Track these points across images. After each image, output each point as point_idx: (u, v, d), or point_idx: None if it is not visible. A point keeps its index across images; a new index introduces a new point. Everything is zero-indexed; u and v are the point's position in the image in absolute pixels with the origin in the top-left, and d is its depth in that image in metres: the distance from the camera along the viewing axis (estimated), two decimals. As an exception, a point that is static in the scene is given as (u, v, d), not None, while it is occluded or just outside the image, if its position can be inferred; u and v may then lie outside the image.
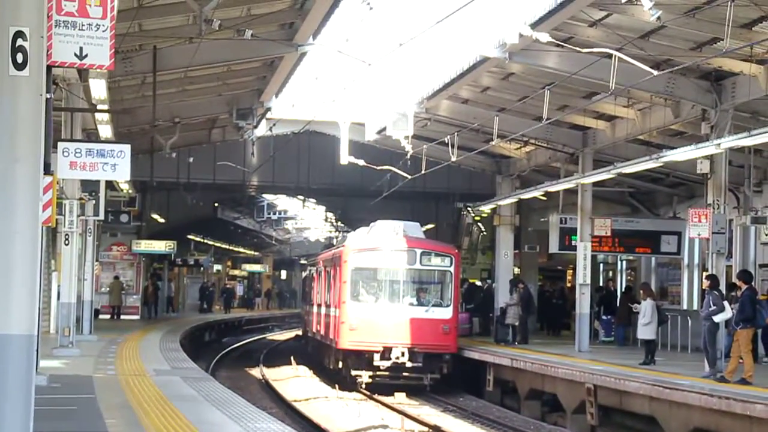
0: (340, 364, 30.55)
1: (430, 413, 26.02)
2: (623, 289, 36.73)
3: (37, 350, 14.21)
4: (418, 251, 30.25)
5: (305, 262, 51.90)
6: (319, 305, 35.51)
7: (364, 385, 29.49)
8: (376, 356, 29.20)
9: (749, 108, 24.18)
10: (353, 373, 29.64)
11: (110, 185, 35.51)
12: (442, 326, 29.74)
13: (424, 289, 30.69)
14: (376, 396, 28.46)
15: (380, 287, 30.51)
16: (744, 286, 20.78)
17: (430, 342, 29.48)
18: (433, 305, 30.09)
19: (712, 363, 21.03)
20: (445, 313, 30.00)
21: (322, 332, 33.93)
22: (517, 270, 40.82)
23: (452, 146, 30.64)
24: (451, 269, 30.40)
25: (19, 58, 8.19)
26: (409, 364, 29.20)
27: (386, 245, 30.35)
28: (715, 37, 20.89)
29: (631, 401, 21.33)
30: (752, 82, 22.15)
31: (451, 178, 40.66)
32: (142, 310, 46.79)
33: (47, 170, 15.20)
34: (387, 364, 29.17)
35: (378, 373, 29.37)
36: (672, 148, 24.88)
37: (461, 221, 44.61)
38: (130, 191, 41.32)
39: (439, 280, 30.77)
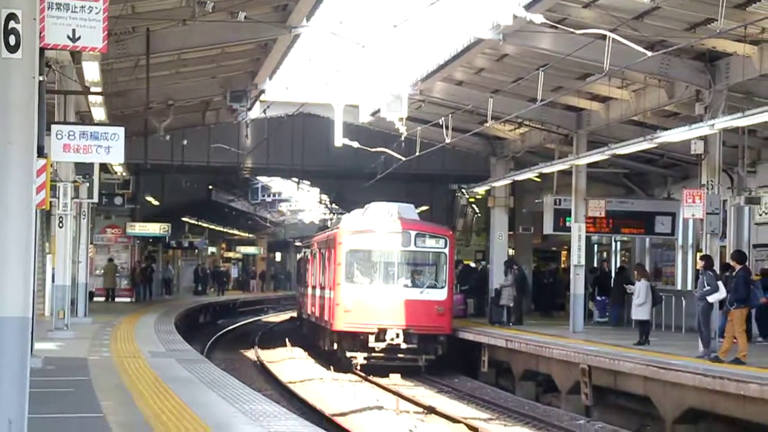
0: (335, 346, 30.62)
1: (425, 394, 26.09)
2: (617, 270, 36.78)
3: (32, 333, 14.20)
4: (413, 233, 30.30)
5: (300, 244, 51.87)
6: (314, 287, 35.52)
7: (359, 367, 29.55)
8: (371, 338, 29.30)
9: (743, 88, 24.16)
10: (348, 354, 29.69)
11: (104, 168, 35.52)
12: (437, 307, 29.80)
13: (418, 271, 30.68)
14: (371, 377, 28.51)
15: (375, 269, 30.56)
16: (738, 267, 20.81)
17: (424, 323, 29.56)
18: (428, 287, 30.13)
19: (706, 343, 21.07)
20: (440, 294, 30.07)
21: (317, 314, 33.96)
22: (511, 251, 40.85)
23: (446, 128, 30.62)
24: (446, 251, 30.43)
25: (12, 40, 8.17)
26: (404, 346, 29.31)
27: (381, 227, 30.39)
28: (709, 18, 20.87)
29: (625, 381, 21.38)
30: (746, 63, 22.13)
31: (445, 159, 40.66)
32: (135, 292, 46.64)
33: (41, 153, 15.21)
34: (382, 345, 29.28)
35: (373, 354, 29.44)
36: (666, 128, 24.88)
37: (456, 203, 44.68)
38: (124, 174, 41.31)
39: (434, 262, 30.83)
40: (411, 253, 30.48)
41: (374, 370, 29.20)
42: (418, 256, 30.74)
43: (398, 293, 29.84)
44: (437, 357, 29.86)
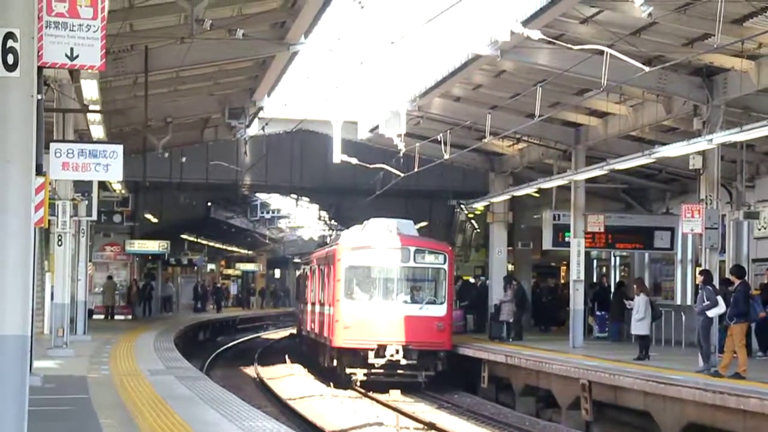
0: (335, 362, 30.49)
1: (425, 410, 26.04)
2: (616, 285, 36.76)
3: (31, 351, 14.20)
4: (412, 249, 30.22)
5: (299, 260, 51.86)
6: (313, 304, 35.41)
7: (358, 383, 29.45)
8: (371, 354, 29.17)
9: (741, 103, 24.18)
10: (348, 371, 29.58)
11: (103, 185, 35.53)
12: (437, 323, 29.71)
13: (418, 287, 30.61)
14: (371, 394, 28.46)
15: (374, 285, 30.46)
16: (737, 281, 20.81)
17: (424, 339, 29.44)
18: (427, 302, 30.04)
19: (706, 358, 21.06)
20: (440, 310, 29.94)
21: (317, 330, 33.87)
22: (510, 267, 40.84)
23: (445, 144, 30.66)
24: (445, 266, 30.34)
25: (10, 59, 8.19)
26: (403, 362, 29.18)
27: (380, 243, 30.32)
28: (707, 33, 20.90)
29: (625, 396, 21.36)
30: (744, 78, 22.17)
31: (444, 175, 40.71)
32: (132, 310, 46.42)
33: (39, 171, 15.20)
34: (381, 361, 29.14)
35: (373, 370, 29.35)
36: (664, 144, 24.90)
37: (455, 219, 44.68)
38: (123, 191, 41.33)
39: (433, 278, 30.71)
40: (410, 269, 30.36)
41: (374, 386, 29.10)
42: (417, 272, 30.63)
43: (398, 309, 29.72)
44: (437, 373, 29.74)
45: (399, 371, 29.39)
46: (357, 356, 29.50)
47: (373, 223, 31.62)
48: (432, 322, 29.69)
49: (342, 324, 29.60)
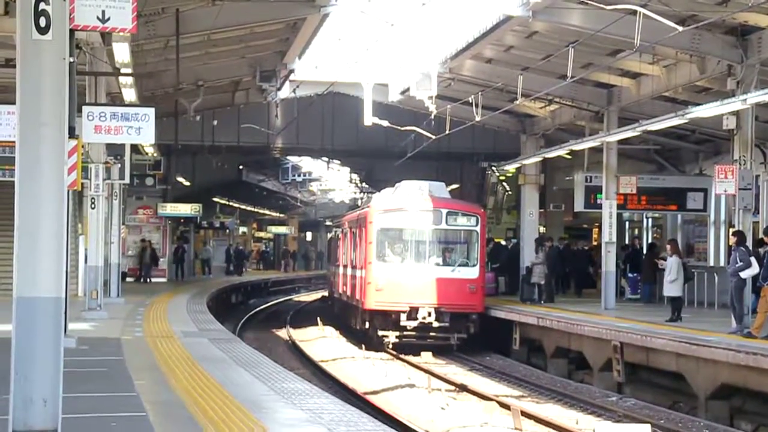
0: (367, 325, 30.55)
1: (457, 372, 26.14)
2: (648, 247, 36.63)
3: (66, 313, 14.33)
4: (444, 211, 30.20)
5: (330, 223, 51.94)
6: (345, 266, 35.47)
7: (390, 346, 29.53)
8: (403, 316, 29.21)
9: (776, 63, 23.97)
10: (380, 333, 29.66)
11: (135, 149, 35.66)
12: (469, 286, 29.73)
13: (450, 249, 30.58)
14: (402, 356, 28.53)
15: (406, 247, 30.47)
16: (770, 242, 20.71)
17: (456, 302, 29.45)
18: (460, 265, 30.07)
19: (739, 319, 21.00)
20: (472, 272, 29.96)
21: (348, 293, 33.95)
22: (542, 229, 40.74)
23: (476, 106, 30.56)
24: (477, 229, 30.30)
25: (42, 22, 8.19)
26: (435, 324, 29.19)
27: (412, 206, 30.31)
28: (741, -8, 20.70)
29: (657, 358, 21.34)
30: (778, 37, 21.97)
31: (475, 138, 40.61)
32: (143, 273, 45.04)
33: (72, 134, 15.28)
34: (413, 324, 29.16)
35: (405, 333, 29.37)
36: (698, 104, 24.73)
37: (486, 181, 44.54)
38: (155, 155, 41.46)
39: (465, 240, 30.70)
40: (442, 232, 30.33)
41: (406, 348, 29.17)
42: (449, 234, 30.60)
43: (430, 272, 29.72)
44: (469, 335, 29.79)
45: (431, 334, 29.36)
46: (389, 319, 29.54)
47: (404, 186, 31.61)
48: (464, 285, 29.71)
49: (374, 286, 29.66)
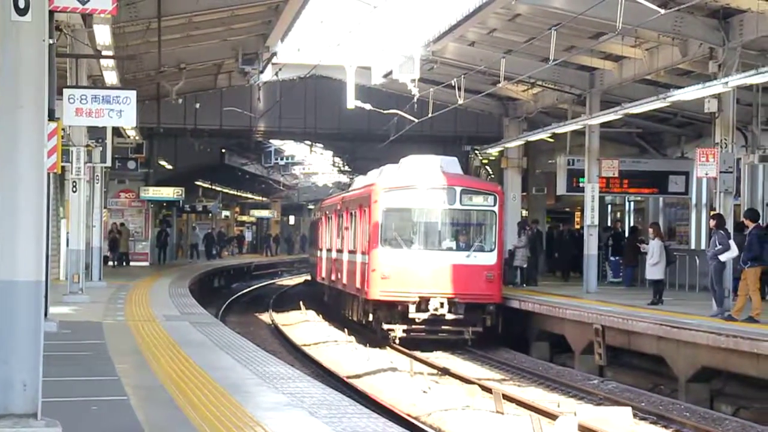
0: (370, 317, 27.84)
1: (439, 356, 26.10)
2: (630, 230, 36.72)
3: (46, 297, 14.30)
4: (458, 189, 27.15)
5: (314, 206, 51.86)
6: (340, 251, 32.56)
7: (397, 341, 26.74)
8: (412, 308, 26.35)
9: (757, 45, 24.00)
10: (385, 327, 26.86)
11: (117, 132, 35.54)
12: (486, 273, 26.83)
13: (465, 232, 27.64)
14: (414, 353, 25.78)
15: (415, 230, 27.50)
16: (751, 225, 20.77)
17: (472, 291, 26.59)
18: (476, 250, 27.12)
19: (720, 302, 21.06)
20: (489, 258, 27.05)
21: (345, 281, 31.03)
22: (525, 212, 40.80)
23: (459, 89, 30.52)
24: (495, 209, 27.30)
25: (21, 3, 8.13)
26: (448, 317, 26.41)
27: (422, 183, 27.23)
28: (723, -25, 20.72)
29: (639, 341, 21.41)
30: (760, 19, 21.98)
31: (458, 121, 40.61)
32: (115, 257, 44.31)
33: (51, 116, 15.21)
34: (424, 316, 26.33)
35: (413, 326, 26.58)
36: (679, 87, 24.77)
37: (469, 164, 44.54)
38: (137, 138, 41.34)
39: (482, 222, 27.66)
40: (456, 212, 27.29)
41: (414, 344, 26.49)
42: (464, 215, 27.56)
43: (442, 257, 26.79)
44: (485, 329, 26.87)
45: (443, 327, 26.62)
46: (395, 310, 26.81)
47: (411, 161, 28.70)
48: (481, 272, 26.81)
49: (379, 274, 26.70)
